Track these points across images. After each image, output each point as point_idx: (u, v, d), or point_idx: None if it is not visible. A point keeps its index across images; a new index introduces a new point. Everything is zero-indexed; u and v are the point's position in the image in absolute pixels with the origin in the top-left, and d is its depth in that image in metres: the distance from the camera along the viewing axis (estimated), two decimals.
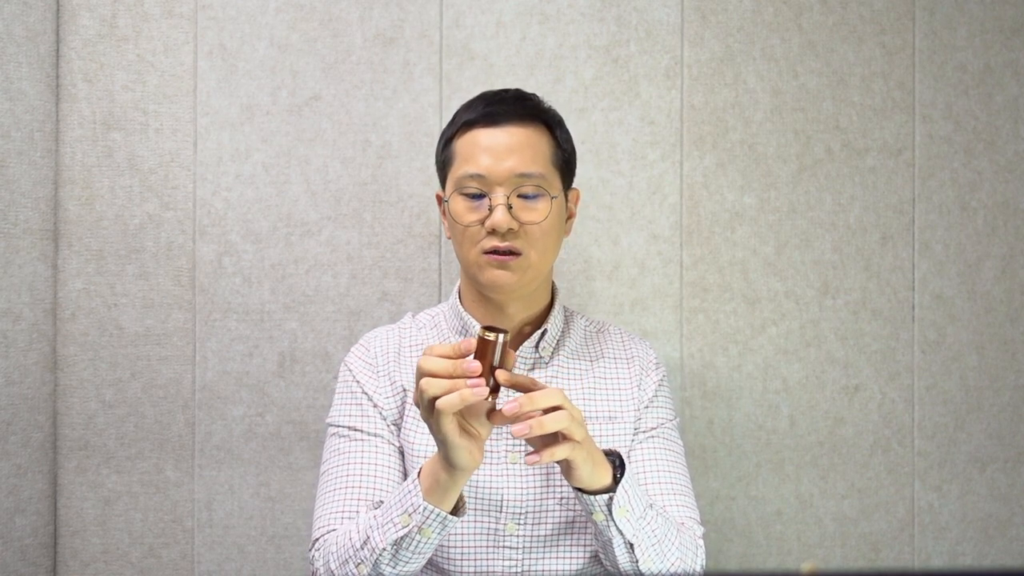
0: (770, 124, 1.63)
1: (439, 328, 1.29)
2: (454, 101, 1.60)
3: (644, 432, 1.25)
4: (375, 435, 1.21)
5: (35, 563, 1.53)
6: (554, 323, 1.25)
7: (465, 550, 1.19)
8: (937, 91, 1.66)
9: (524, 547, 1.19)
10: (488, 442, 1.20)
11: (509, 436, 1.20)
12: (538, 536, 1.19)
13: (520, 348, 1.23)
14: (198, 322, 1.59)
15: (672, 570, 1.13)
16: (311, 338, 1.59)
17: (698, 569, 1.17)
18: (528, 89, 1.60)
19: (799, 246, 1.64)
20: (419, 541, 1.04)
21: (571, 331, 1.29)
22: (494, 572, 1.18)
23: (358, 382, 1.24)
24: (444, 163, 1.24)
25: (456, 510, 1.06)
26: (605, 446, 1.20)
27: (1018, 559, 1.66)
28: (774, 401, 1.63)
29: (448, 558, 1.19)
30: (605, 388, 1.25)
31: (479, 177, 1.17)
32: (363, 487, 1.17)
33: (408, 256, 1.59)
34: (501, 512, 1.18)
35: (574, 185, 1.29)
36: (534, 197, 1.17)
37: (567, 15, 1.61)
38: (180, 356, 1.58)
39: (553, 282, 1.30)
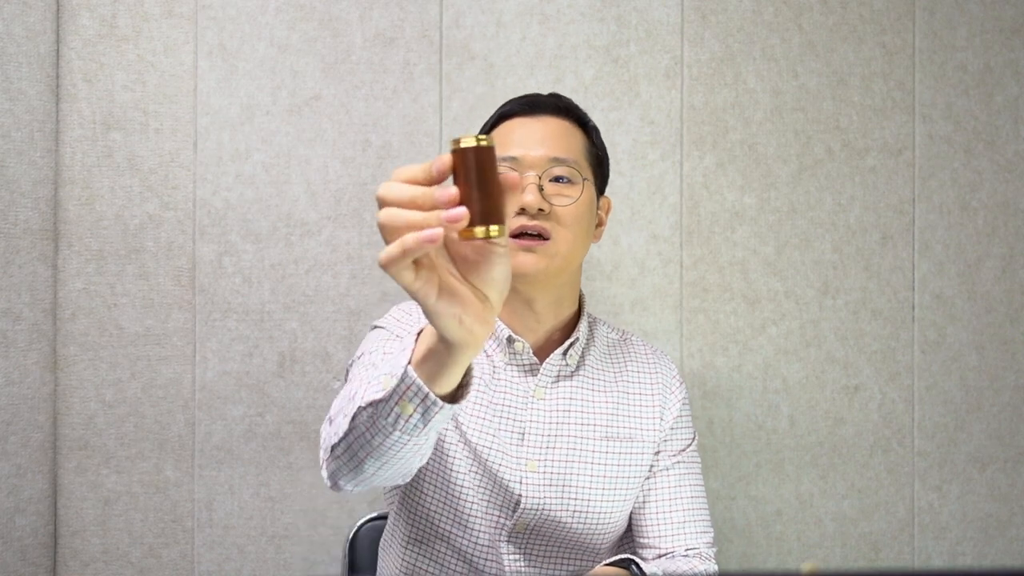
0: (770, 124, 1.63)
1: None
2: (454, 101, 1.60)
3: (671, 456, 1.24)
4: (399, 338, 1.14)
5: (35, 563, 1.53)
6: (582, 333, 1.24)
7: (483, 534, 1.18)
8: (937, 91, 1.66)
9: (530, 544, 1.20)
10: (510, 446, 1.18)
11: (532, 442, 1.19)
12: (547, 539, 1.20)
13: (550, 356, 1.21)
14: (198, 322, 1.59)
15: None
16: (311, 338, 1.59)
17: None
18: (528, 89, 1.60)
19: (799, 246, 1.64)
20: (397, 415, 0.81)
21: (595, 339, 1.27)
22: (500, 562, 1.18)
23: (396, 335, 1.17)
24: None
25: (456, 395, 0.83)
26: (622, 465, 1.21)
27: (1018, 559, 1.66)
28: (774, 401, 1.63)
29: (466, 528, 1.18)
30: (628, 404, 1.24)
31: (512, 160, 1.17)
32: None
33: None
34: (514, 513, 1.18)
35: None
36: (566, 182, 1.17)
37: (567, 15, 1.61)
38: (180, 356, 1.58)
39: (581, 291, 1.28)
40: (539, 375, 1.21)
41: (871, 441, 1.64)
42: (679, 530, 1.21)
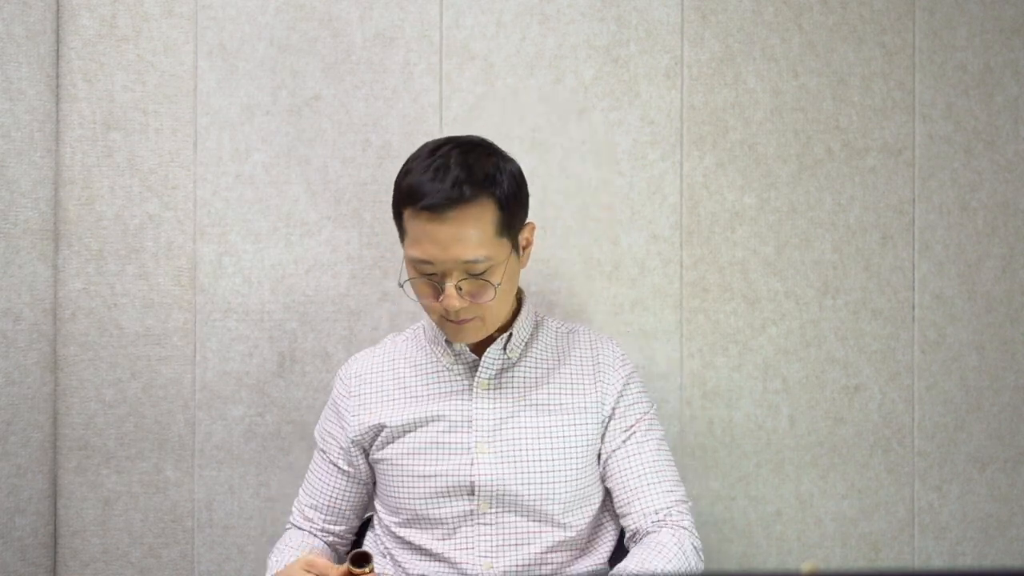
0: (770, 124, 1.63)
1: (419, 341, 1.36)
2: (454, 101, 1.60)
3: (625, 430, 1.31)
4: (333, 464, 1.35)
5: (35, 563, 1.53)
6: (521, 327, 1.31)
7: (453, 531, 1.28)
8: (937, 91, 1.66)
9: (499, 523, 1.27)
10: (458, 434, 1.28)
11: (480, 427, 1.28)
12: (512, 514, 1.27)
13: (488, 350, 1.29)
14: (198, 322, 1.59)
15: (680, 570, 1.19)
16: (311, 338, 1.59)
17: (697, 558, 1.25)
18: (528, 89, 1.60)
19: (799, 246, 1.64)
20: None
21: (540, 334, 1.35)
22: (475, 548, 1.26)
23: (335, 402, 1.36)
24: (398, 226, 1.27)
25: None
26: (567, 436, 1.29)
27: (1018, 559, 1.66)
28: (774, 401, 1.63)
29: (441, 538, 1.28)
30: (571, 383, 1.32)
31: (428, 263, 1.21)
32: (319, 500, 1.37)
33: None
34: (475, 496, 1.27)
35: (529, 220, 1.31)
36: (483, 273, 1.21)
37: (567, 15, 1.61)
38: (180, 356, 1.58)
39: (520, 288, 1.34)
40: (480, 368, 1.29)
41: (871, 441, 1.64)
42: (641, 493, 1.27)
